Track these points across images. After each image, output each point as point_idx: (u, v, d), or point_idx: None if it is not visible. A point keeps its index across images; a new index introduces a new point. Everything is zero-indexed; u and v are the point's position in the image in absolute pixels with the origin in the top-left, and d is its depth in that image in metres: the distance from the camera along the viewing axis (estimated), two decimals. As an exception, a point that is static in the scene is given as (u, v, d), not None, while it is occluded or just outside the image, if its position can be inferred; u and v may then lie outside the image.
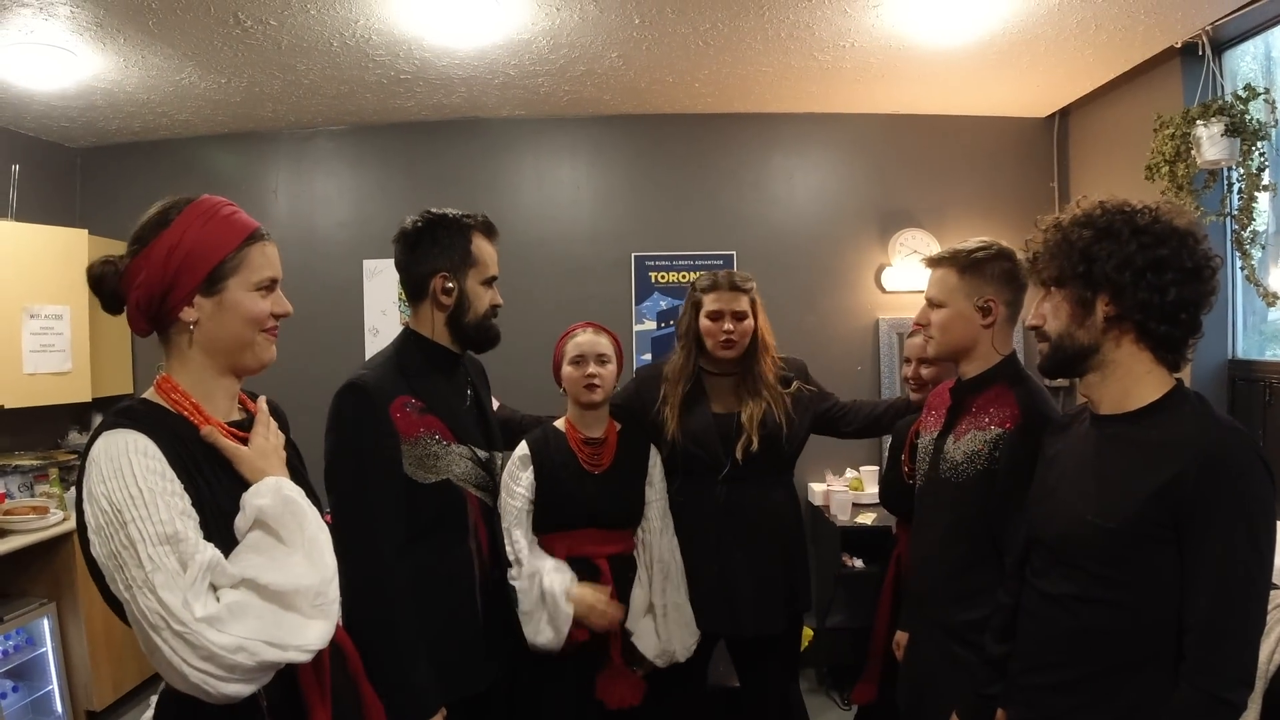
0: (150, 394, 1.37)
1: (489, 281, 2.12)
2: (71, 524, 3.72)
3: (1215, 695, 1.34)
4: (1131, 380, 1.52)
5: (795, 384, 2.70)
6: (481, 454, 2.11)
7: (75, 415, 4.48)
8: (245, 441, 1.38)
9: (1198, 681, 1.36)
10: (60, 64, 3.41)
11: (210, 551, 1.19)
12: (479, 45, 3.50)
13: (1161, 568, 1.41)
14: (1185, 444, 1.41)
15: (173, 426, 1.30)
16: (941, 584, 2.02)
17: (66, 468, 4.20)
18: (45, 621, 3.69)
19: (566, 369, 2.52)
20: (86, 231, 4.16)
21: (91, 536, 1.20)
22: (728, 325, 2.58)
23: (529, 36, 3.42)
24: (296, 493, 1.33)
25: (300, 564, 1.25)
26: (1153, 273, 1.46)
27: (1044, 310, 1.62)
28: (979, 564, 1.94)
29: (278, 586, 1.21)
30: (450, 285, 2.05)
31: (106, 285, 1.38)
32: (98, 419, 4.41)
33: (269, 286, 1.43)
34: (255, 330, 1.41)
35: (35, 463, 4.09)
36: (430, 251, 2.05)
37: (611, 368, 2.52)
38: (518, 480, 2.40)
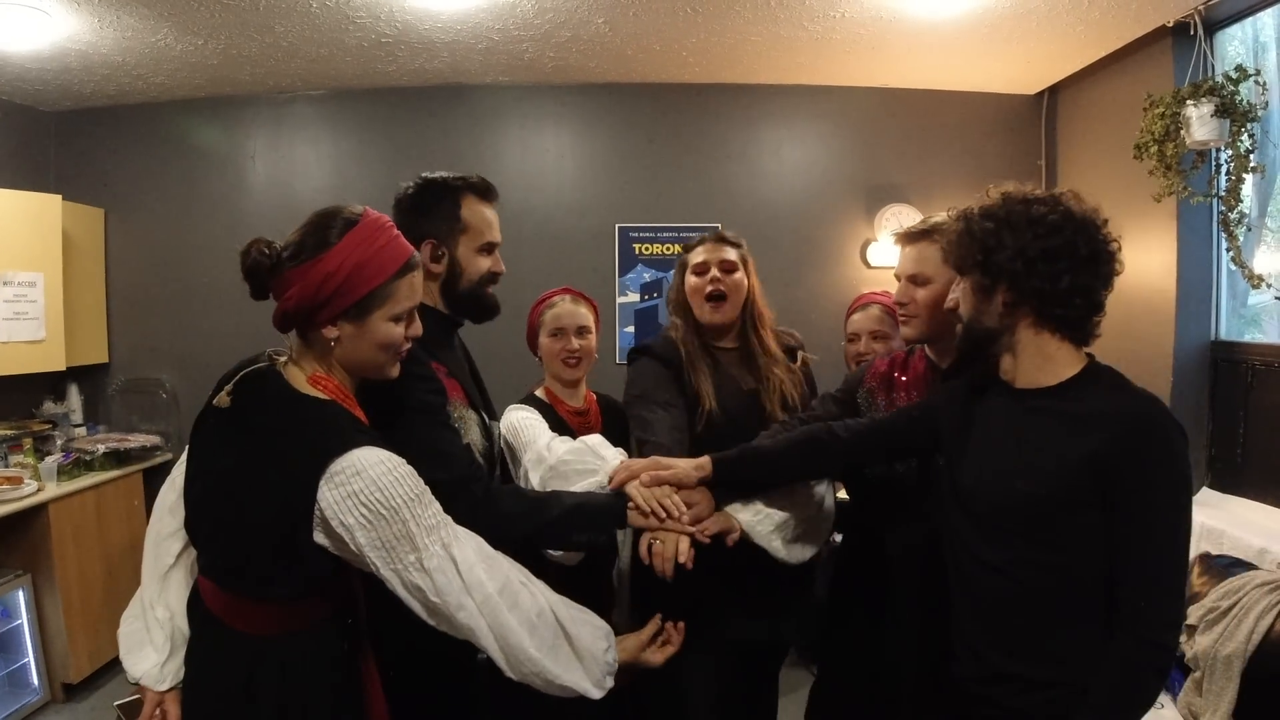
0: (308, 389, 1.48)
1: (486, 248, 1.99)
2: (46, 494, 3.69)
3: (1152, 640, 1.44)
4: (1043, 358, 1.60)
5: (802, 355, 2.42)
6: (488, 421, 2.08)
7: (50, 384, 4.41)
8: None
9: (1136, 629, 1.45)
10: (34, 25, 3.31)
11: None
12: (462, 8, 3.43)
13: (1091, 529, 1.50)
14: (1107, 415, 1.51)
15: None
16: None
17: (41, 437, 4.13)
18: (20, 593, 3.65)
19: (545, 340, 2.47)
20: (60, 197, 4.07)
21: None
22: (714, 274, 2.29)
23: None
24: None
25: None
26: (1044, 262, 1.53)
27: (956, 294, 1.70)
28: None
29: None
30: (440, 252, 1.96)
31: (259, 274, 1.45)
32: (72, 388, 4.40)
33: (409, 315, 1.56)
34: (388, 354, 1.55)
35: (9, 433, 4.01)
36: (420, 218, 1.97)
37: (592, 339, 2.48)
38: (533, 425, 2.27)
